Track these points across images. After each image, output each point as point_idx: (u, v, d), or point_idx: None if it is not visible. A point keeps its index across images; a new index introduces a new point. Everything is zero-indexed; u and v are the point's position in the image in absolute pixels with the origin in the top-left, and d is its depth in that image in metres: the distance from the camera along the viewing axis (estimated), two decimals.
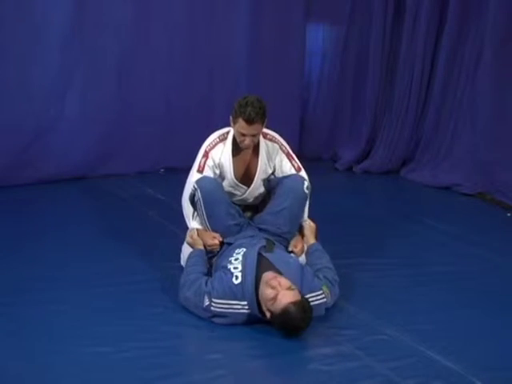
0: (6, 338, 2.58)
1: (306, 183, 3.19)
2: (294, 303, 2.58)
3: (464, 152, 5.11)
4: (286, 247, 3.18)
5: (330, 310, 2.87)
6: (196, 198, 3.09)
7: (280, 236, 3.14)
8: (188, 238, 3.20)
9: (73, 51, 4.65)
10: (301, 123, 5.95)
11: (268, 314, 2.65)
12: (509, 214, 4.57)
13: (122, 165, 5.06)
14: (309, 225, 3.27)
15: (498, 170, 4.85)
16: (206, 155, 3.21)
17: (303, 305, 2.61)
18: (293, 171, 3.27)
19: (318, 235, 3.26)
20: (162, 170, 5.28)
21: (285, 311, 2.57)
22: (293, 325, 2.60)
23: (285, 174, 3.27)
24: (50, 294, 2.97)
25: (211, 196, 3.07)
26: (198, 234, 3.16)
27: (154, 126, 5.15)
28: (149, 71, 5.03)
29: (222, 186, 3.16)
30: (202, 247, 3.11)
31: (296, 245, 3.21)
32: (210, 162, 3.19)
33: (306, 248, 3.21)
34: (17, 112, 4.53)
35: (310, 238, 3.21)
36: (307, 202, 3.29)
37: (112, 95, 4.91)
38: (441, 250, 3.79)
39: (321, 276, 2.87)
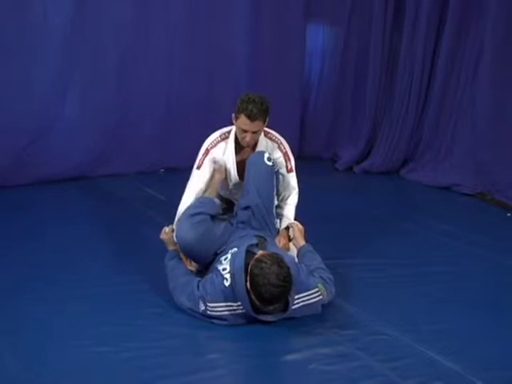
0: (6, 338, 2.58)
1: (267, 155, 3.15)
2: (267, 255, 2.59)
3: (464, 152, 5.11)
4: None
5: (329, 309, 2.88)
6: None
7: (263, 227, 3.12)
8: (163, 235, 3.19)
9: (73, 51, 4.65)
10: (301, 123, 5.96)
11: (249, 285, 2.59)
12: (509, 214, 4.57)
13: (122, 165, 5.07)
14: (297, 226, 3.25)
15: (498, 170, 4.85)
16: (206, 153, 3.24)
17: (277, 257, 2.60)
18: (284, 171, 3.30)
19: (314, 237, 3.26)
20: (162, 170, 5.28)
21: (258, 260, 2.57)
22: (267, 276, 2.51)
23: (280, 172, 3.30)
24: (50, 294, 2.97)
25: (191, 250, 2.99)
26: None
27: (154, 126, 5.15)
28: (149, 71, 5.03)
29: (203, 236, 2.97)
30: (174, 247, 3.11)
31: (279, 240, 3.21)
32: (209, 157, 3.22)
33: (296, 250, 3.19)
34: (17, 112, 4.52)
35: (300, 240, 3.19)
36: (294, 197, 3.31)
37: (112, 95, 4.91)
38: (441, 250, 3.79)
39: (316, 275, 2.87)
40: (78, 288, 3.05)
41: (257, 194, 3.11)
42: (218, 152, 3.22)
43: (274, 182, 3.21)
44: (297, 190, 3.36)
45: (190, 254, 3.02)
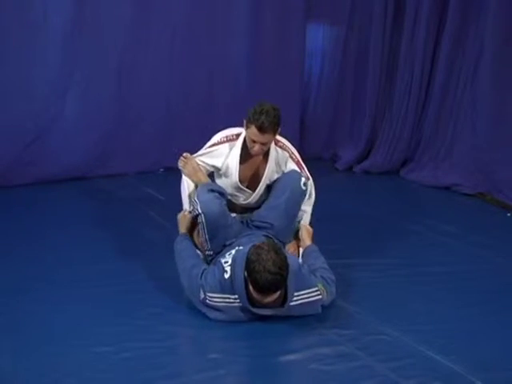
0: (6, 338, 2.58)
1: (303, 180, 3.18)
2: (266, 244, 2.62)
3: (464, 152, 5.11)
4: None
5: (329, 309, 2.88)
6: (199, 220, 3.02)
7: (275, 237, 3.14)
8: (182, 215, 3.23)
9: (73, 51, 4.65)
10: (301, 123, 5.95)
11: (246, 273, 2.61)
12: (509, 214, 4.56)
13: (121, 165, 5.07)
14: (306, 228, 3.29)
15: (498, 170, 4.85)
16: (208, 151, 3.24)
17: (275, 245, 2.64)
18: None
19: (314, 237, 3.28)
20: (162, 170, 5.28)
21: (256, 247, 2.59)
22: (263, 263, 2.52)
23: None
24: (50, 294, 2.97)
25: (215, 223, 3.00)
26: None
27: (154, 126, 5.15)
28: (149, 71, 5.03)
29: (225, 209, 3.09)
30: (185, 231, 3.16)
31: (289, 247, 3.25)
32: (206, 159, 3.23)
33: (301, 250, 3.23)
34: (17, 112, 4.53)
35: (307, 240, 3.24)
36: (311, 203, 3.33)
37: (112, 95, 4.91)
38: (441, 250, 3.79)
39: (317, 275, 2.88)
40: (78, 288, 3.05)
41: (285, 214, 3.16)
42: (221, 153, 3.20)
43: (301, 204, 3.26)
44: (313, 196, 3.35)
45: (213, 226, 2.99)
